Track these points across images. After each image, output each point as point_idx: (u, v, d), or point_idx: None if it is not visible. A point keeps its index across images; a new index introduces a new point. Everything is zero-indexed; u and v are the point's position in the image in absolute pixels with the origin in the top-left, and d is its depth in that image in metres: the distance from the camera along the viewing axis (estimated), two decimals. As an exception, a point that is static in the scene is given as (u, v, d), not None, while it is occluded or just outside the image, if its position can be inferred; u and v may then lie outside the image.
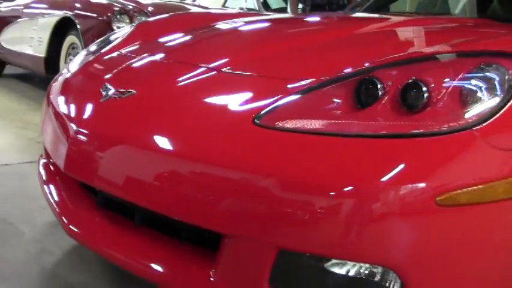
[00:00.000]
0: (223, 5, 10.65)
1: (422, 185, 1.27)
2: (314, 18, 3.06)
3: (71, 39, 5.82)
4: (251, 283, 1.42)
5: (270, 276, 1.39)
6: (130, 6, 5.47)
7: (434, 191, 1.26)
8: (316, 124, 1.45)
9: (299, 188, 1.33)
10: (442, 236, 1.31)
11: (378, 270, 1.35)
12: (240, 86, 1.78)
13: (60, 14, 6.00)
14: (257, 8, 9.59)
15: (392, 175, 1.28)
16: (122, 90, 1.89)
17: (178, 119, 1.67)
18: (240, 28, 2.61)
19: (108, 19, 5.29)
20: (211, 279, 1.49)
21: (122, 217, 1.82)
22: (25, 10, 7.11)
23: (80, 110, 1.94)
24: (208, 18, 3.02)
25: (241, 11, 8.06)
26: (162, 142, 1.59)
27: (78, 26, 5.55)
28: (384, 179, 1.28)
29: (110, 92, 1.91)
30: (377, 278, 1.35)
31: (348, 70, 1.62)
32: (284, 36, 2.35)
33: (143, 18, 5.29)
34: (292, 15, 3.08)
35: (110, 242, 1.79)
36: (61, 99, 2.10)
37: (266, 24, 2.76)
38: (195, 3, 8.88)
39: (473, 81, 1.43)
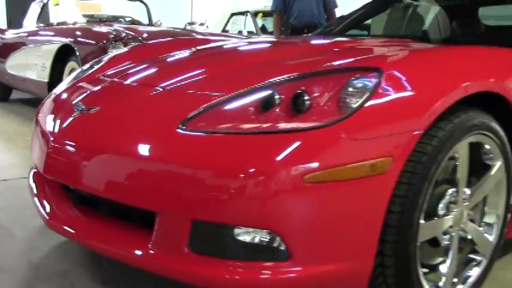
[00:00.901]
0: (223, 30, 11.17)
1: (295, 167, 1.69)
2: (267, 43, 3.48)
3: (71, 64, 6.22)
4: (176, 249, 1.84)
5: (188, 242, 1.82)
6: (124, 34, 5.89)
7: (302, 172, 1.68)
8: (227, 126, 1.89)
9: (209, 173, 1.77)
10: (311, 206, 1.73)
11: (269, 235, 1.77)
12: (176, 100, 2.23)
13: (61, 41, 6.43)
14: (255, 32, 10.11)
15: (277, 160, 1.71)
16: (89, 107, 2.33)
17: (125, 128, 2.12)
18: (200, 53, 3.02)
19: (104, 46, 5.70)
20: (150, 251, 1.91)
21: (92, 209, 2.24)
22: (30, 38, 7.56)
23: (57, 124, 2.35)
24: (191, 44, 3.43)
25: (234, 34, 8.52)
26: (112, 146, 2.03)
27: (77, 53, 5.98)
28: (273, 163, 1.71)
29: (80, 109, 2.34)
30: (268, 242, 1.78)
31: (258, 84, 2.07)
32: (232, 58, 2.77)
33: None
34: (255, 40, 3.51)
35: (81, 230, 2.20)
36: (44, 117, 2.52)
37: (225, 49, 3.17)
38: (202, 28, 9.35)
39: (346, 90, 1.86)
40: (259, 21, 11.15)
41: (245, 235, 1.80)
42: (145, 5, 8.94)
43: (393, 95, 1.88)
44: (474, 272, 2.35)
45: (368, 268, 1.87)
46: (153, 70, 2.81)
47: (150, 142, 1.95)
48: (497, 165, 2.28)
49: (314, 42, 3.47)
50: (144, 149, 1.95)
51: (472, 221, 2.33)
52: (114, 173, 1.97)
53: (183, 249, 1.82)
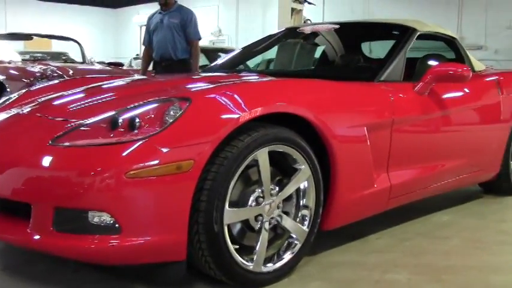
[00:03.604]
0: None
1: (119, 167, 2.48)
2: (128, 82, 4.18)
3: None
4: (44, 228, 2.59)
5: (53, 223, 2.57)
6: (49, 72, 6.65)
7: (125, 170, 2.47)
8: (83, 142, 2.67)
9: (70, 174, 2.54)
10: (133, 194, 2.50)
11: (109, 216, 2.53)
12: (52, 124, 3.01)
13: (-5, 77, 7.17)
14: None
15: (110, 162, 2.50)
16: (-6, 131, 3.09)
17: (13, 146, 2.89)
18: (82, 92, 3.72)
19: (32, 83, 6.43)
20: (28, 230, 2.65)
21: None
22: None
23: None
24: (86, 82, 4.14)
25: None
26: (4, 159, 2.80)
27: (8, 89, 6.70)
28: (107, 164, 2.50)
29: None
30: (108, 221, 2.55)
31: (108, 113, 2.87)
32: (100, 93, 3.53)
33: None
34: (122, 80, 4.19)
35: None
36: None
37: (101, 87, 3.88)
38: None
39: (167, 113, 2.66)
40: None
41: (94, 217, 2.55)
42: (79, 44, 9.72)
43: (197, 117, 2.67)
44: (287, 255, 3.09)
45: (183, 240, 2.61)
46: (44, 104, 3.52)
47: (29, 154, 2.72)
48: (302, 169, 3.05)
49: (157, 80, 4.48)
50: (24, 159, 2.72)
51: (287, 213, 3.10)
52: (4, 178, 2.72)
53: (49, 228, 2.58)
